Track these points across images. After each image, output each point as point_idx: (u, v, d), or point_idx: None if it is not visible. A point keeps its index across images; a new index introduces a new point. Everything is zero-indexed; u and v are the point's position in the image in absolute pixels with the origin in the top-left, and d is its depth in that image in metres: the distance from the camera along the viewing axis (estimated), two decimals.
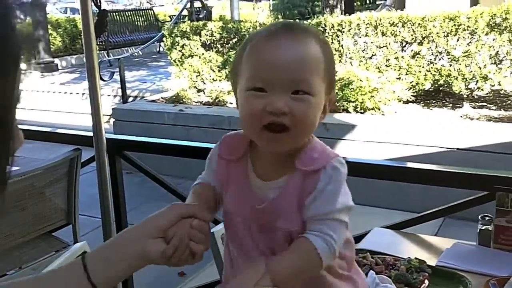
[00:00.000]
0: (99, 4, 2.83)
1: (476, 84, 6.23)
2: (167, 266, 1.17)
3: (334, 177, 1.20)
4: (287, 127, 1.16)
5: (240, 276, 1.18)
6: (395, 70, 6.53)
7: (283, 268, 1.16)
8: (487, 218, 2.12)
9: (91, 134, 3.00)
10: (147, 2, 28.88)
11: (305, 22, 7.25)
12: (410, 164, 2.86)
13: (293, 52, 1.18)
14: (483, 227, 2.11)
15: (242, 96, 1.21)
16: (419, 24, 6.38)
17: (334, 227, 1.18)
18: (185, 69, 7.81)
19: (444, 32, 6.26)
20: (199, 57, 7.69)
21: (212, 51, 7.67)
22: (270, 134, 1.17)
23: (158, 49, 15.82)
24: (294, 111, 1.15)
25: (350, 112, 6.12)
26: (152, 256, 1.13)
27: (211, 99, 7.32)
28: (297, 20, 7.48)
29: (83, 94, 10.32)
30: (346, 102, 6.14)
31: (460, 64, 6.18)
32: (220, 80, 7.52)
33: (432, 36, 6.33)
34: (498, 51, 6.07)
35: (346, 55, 6.83)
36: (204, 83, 7.67)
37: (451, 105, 6.42)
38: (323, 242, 1.16)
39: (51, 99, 10.87)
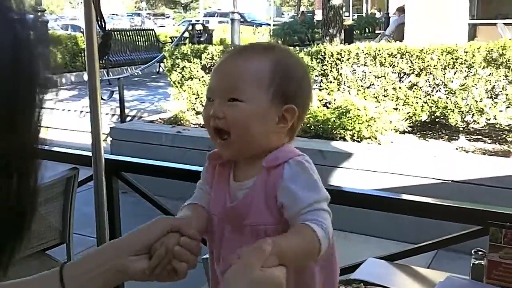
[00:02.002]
0: (103, 25, 2.86)
1: (472, 117, 6.29)
2: (148, 281, 1.15)
3: (300, 169, 1.28)
4: (228, 132, 1.29)
5: (245, 256, 1.11)
6: (392, 100, 6.58)
7: (289, 249, 1.16)
8: (480, 252, 2.13)
9: (89, 153, 3.01)
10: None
11: (304, 49, 7.32)
12: (405, 196, 2.88)
13: (234, 65, 1.34)
14: (476, 262, 2.12)
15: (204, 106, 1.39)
16: (417, 56, 6.45)
17: (322, 214, 1.23)
18: (184, 91, 7.85)
19: (441, 65, 6.33)
20: (199, 80, 7.73)
21: None
22: (219, 141, 1.32)
23: (158, 70, 15.88)
24: (226, 115, 1.29)
25: (347, 140, 6.15)
26: (131, 273, 1.11)
27: None
28: (296, 46, 7.55)
29: (81, 111, 10.34)
30: (343, 130, 6.17)
31: (456, 97, 6.24)
32: None
33: (429, 68, 6.40)
34: (494, 85, 6.14)
35: (344, 83, 6.89)
36: (203, 106, 7.69)
37: (447, 137, 6.46)
38: (320, 228, 1.20)
39: (48, 115, 10.86)
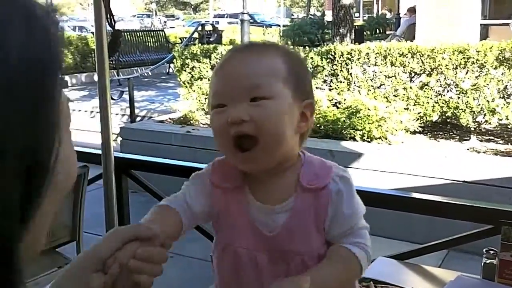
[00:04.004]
0: (113, 24, 2.86)
1: (483, 118, 6.24)
2: None
3: (346, 187, 1.21)
4: (255, 138, 1.14)
5: None
6: (403, 100, 6.55)
7: (328, 280, 1.12)
8: (491, 252, 2.11)
9: (99, 152, 3.01)
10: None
11: (314, 49, 7.30)
12: (416, 195, 2.86)
13: (246, 63, 1.19)
14: (488, 261, 2.10)
15: (210, 117, 1.22)
16: (428, 55, 6.41)
17: (362, 234, 1.20)
18: (194, 91, 7.86)
19: (453, 65, 6.29)
20: (208, 80, 7.71)
21: None
22: (243, 154, 1.15)
23: (167, 70, 15.92)
24: (254, 117, 1.13)
25: (357, 140, 6.12)
26: None
27: None
28: (306, 47, 7.50)
29: (92, 112, 10.38)
30: (353, 130, 6.15)
31: (468, 97, 6.20)
32: None
33: (441, 68, 6.36)
34: (506, 85, 6.09)
35: (354, 83, 6.86)
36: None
37: (458, 137, 6.43)
38: (360, 249, 1.16)
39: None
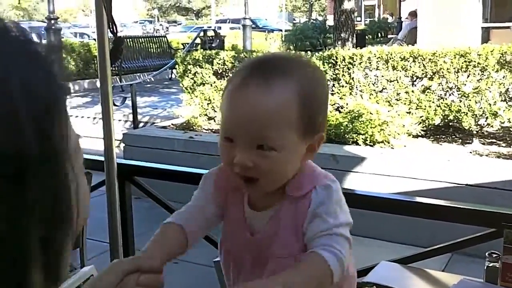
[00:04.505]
0: (115, 31, 2.87)
1: (486, 121, 6.24)
2: None
3: (327, 194, 1.20)
4: (255, 178, 1.18)
5: None
6: (405, 104, 6.55)
7: (297, 283, 1.12)
8: (494, 255, 2.11)
9: (102, 158, 3.02)
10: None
11: (316, 54, 7.31)
12: (418, 199, 2.87)
13: (258, 106, 1.15)
14: (491, 264, 2.10)
15: (219, 141, 1.24)
16: (430, 59, 6.42)
17: (339, 241, 1.16)
18: (197, 96, 7.87)
19: (454, 68, 6.30)
20: (211, 85, 7.75)
21: (224, 79, 7.72)
22: (246, 183, 1.20)
23: (170, 76, 15.94)
24: (258, 166, 1.16)
25: (360, 145, 6.13)
26: None
27: None
28: (308, 51, 7.48)
29: (94, 118, 10.40)
30: (356, 135, 6.15)
31: (470, 100, 6.20)
32: None
33: (442, 72, 6.37)
34: (508, 88, 6.09)
35: (356, 87, 6.87)
36: (215, 111, 7.72)
37: (460, 140, 6.42)
38: (332, 255, 1.13)
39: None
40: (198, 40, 15.03)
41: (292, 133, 1.17)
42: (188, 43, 14.93)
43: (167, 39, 17.41)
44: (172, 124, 7.89)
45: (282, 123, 1.16)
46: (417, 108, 6.51)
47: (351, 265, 1.33)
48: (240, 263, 1.29)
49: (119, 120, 10.08)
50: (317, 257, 1.14)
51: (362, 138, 6.14)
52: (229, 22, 34.91)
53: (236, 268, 1.30)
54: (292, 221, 1.22)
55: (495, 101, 6.08)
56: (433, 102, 6.45)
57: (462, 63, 6.24)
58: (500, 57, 6.06)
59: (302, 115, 1.18)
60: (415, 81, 6.61)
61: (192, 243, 1.29)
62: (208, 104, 7.80)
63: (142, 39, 16.88)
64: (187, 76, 7.94)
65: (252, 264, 1.26)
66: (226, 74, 7.73)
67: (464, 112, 6.24)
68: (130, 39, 15.68)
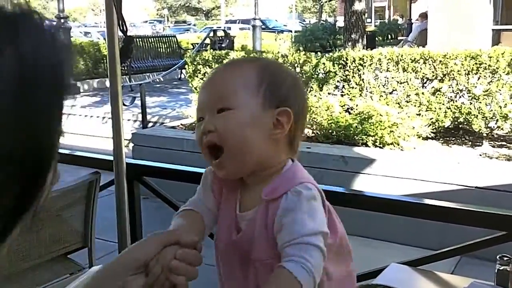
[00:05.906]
0: (125, 30, 2.87)
1: (496, 123, 6.21)
2: None
3: (297, 201, 1.16)
4: (220, 147, 1.22)
5: None
6: (415, 106, 6.53)
7: None
8: (505, 258, 2.09)
9: (111, 158, 3.03)
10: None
11: (326, 55, 7.30)
12: (428, 201, 2.85)
13: (218, 77, 1.30)
14: (501, 268, 2.08)
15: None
16: (440, 61, 6.39)
17: (307, 250, 1.11)
18: None
19: (465, 70, 6.27)
20: None
21: None
22: (214, 162, 1.25)
23: (179, 76, 15.96)
24: (217, 127, 1.21)
25: (369, 146, 6.11)
26: None
27: None
28: (318, 52, 7.48)
29: (103, 117, 10.43)
30: (365, 136, 6.13)
31: (480, 102, 6.17)
32: None
33: (453, 74, 6.34)
34: None
35: (366, 89, 6.85)
36: None
37: (470, 143, 6.39)
38: (298, 266, 1.09)
39: (71, 121, 10.99)
40: (208, 41, 15.03)
41: (248, 95, 1.23)
42: (197, 43, 14.94)
43: (176, 39, 17.42)
44: (181, 124, 7.90)
45: (239, 84, 1.24)
46: (427, 110, 6.48)
47: (352, 264, 1.34)
48: (229, 262, 1.30)
49: (128, 120, 10.09)
50: (283, 272, 1.10)
51: (371, 140, 6.12)
52: (239, 23, 34.96)
53: (226, 266, 1.31)
54: (264, 226, 1.21)
55: (506, 104, 6.05)
56: (443, 104, 6.42)
57: (473, 65, 6.21)
58: (511, 59, 6.02)
59: (261, 82, 1.24)
60: (425, 83, 6.59)
61: (204, 238, 1.30)
62: None
63: (152, 38, 16.91)
64: (197, 76, 7.94)
65: (240, 263, 1.26)
66: None
67: (474, 115, 6.20)
68: (140, 39, 15.72)
